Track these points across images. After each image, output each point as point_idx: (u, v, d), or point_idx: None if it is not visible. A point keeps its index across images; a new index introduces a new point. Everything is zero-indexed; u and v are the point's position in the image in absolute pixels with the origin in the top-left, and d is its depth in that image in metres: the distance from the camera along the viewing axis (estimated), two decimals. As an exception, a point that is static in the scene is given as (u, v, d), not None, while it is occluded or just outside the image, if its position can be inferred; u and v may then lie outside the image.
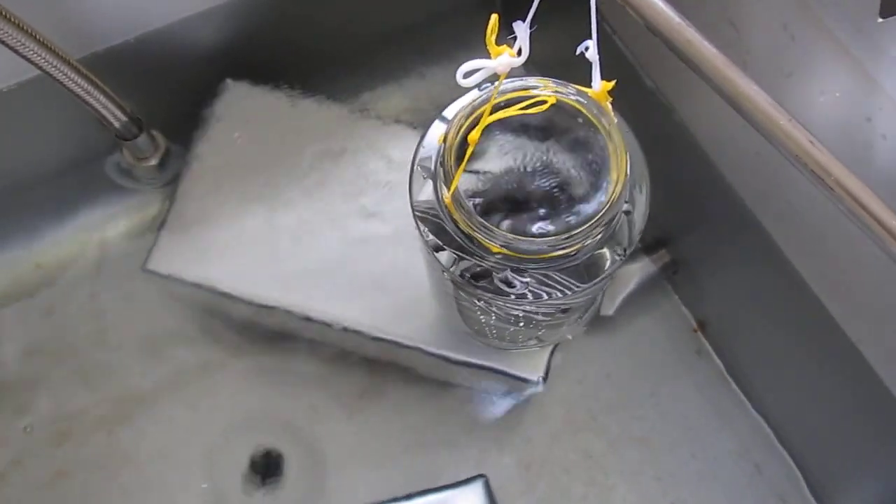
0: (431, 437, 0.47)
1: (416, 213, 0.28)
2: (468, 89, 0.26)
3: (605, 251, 0.28)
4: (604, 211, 0.26)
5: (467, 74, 0.24)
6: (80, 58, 0.38)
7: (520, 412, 0.48)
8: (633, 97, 0.45)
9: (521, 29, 0.23)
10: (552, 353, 0.42)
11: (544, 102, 0.26)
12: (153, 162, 0.43)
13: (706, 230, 0.46)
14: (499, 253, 0.26)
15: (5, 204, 0.45)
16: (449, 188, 0.26)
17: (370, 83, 0.52)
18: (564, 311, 0.33)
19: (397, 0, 0.51)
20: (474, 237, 0.26)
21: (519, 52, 0.24)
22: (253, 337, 0.47)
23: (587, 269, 0.28)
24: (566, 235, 0.25)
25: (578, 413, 0.48)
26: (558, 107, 0.27)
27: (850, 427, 0.42)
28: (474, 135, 0.26)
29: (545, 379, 0.41)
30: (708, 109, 0.41)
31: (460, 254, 0.27)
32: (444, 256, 0.28)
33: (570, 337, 0.41)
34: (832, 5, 0.31)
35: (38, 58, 0.33)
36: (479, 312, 0.33)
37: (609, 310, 0.48)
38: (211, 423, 0.46)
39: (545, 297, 0.28)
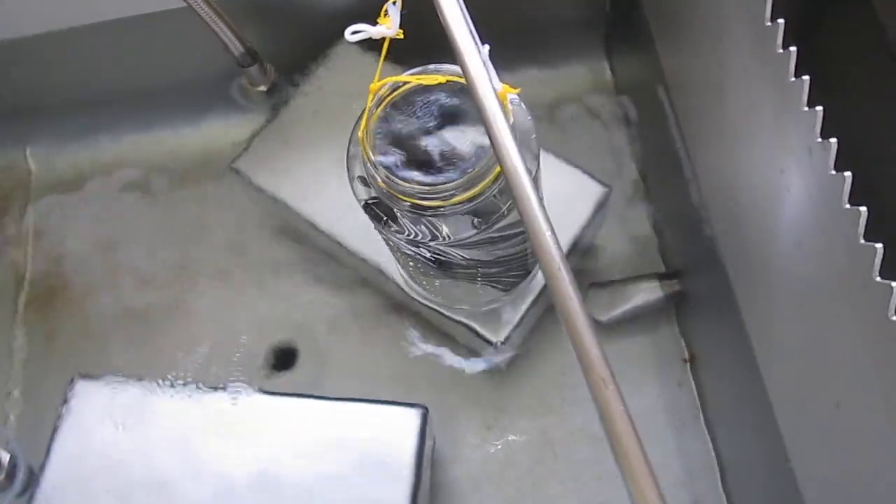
0: (420, 374, 0.54)
1: (350, 154, 0.36)
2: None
3: (471, 218, 0.34)
4: (466, 178, 0.32)
5: (354, 33, 0.32)
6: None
7: (502, 382, 0.53)
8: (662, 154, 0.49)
9: (394, 10, 0.31)
10: (519, 323, 0.47)
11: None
12: (262, 88, 0.54)
13: (708, 275, 0.49)
14: (383, 187, 0.34)
15: (152, 100, 0.59)
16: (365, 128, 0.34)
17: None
18: (466, 266, 0.39)
19: (512, 4, 0.58)
20: (369, 168, 0.34)
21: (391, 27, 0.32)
22: (307, 249, 0.57)
23: (452, 224, 0.34)
24: (429, 187, 0.32)
25: (552, 398, 0.53)
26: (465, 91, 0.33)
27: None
28: (374, 86, 0.34)
29: (504, 343, 0.47)
30: (711, 165, 0.44)
31: (366, 183, 0.35)
32: (359, 188, 0.36)
33: (493, 306, 0.46)
34: (761, 57, 0.33)
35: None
36: (399, 255, 0.40)
37: (603, 316, 0.52)
38: (253, 308, 0.56)
39: (419, 236, 0.35)
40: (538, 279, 0.48)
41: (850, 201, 0.29)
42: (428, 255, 0.37)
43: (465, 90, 0.34)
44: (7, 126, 0.61)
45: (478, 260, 0.38)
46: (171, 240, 0.59)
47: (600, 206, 0.50)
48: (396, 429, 0.45)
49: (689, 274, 0.51)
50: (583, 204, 0.50)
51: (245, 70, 0.53)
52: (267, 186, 0.52)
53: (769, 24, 0.32)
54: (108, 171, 0.62)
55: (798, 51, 0.31)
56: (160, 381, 0.45)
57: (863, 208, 0.28)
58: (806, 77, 0.30)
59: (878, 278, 0.27)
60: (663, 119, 0.49)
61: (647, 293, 0.52)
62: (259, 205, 0.55)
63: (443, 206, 0.33)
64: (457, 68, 0.35)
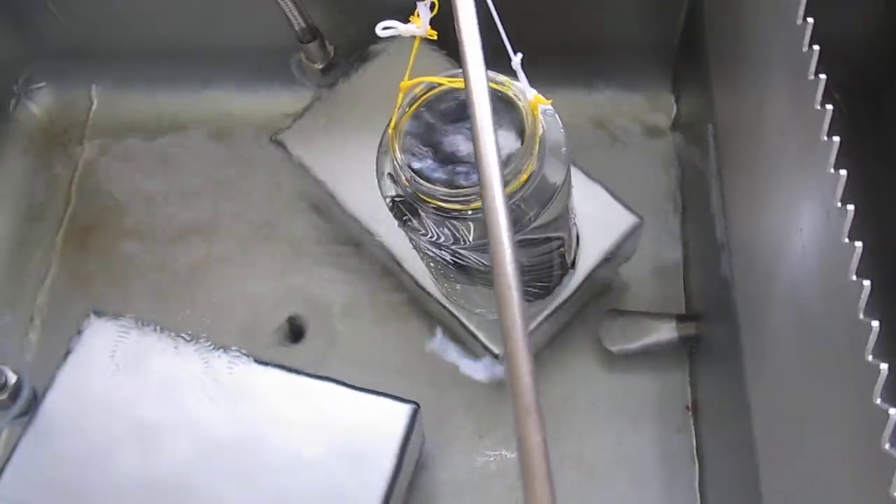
0: (423, 371, 0.54)
1: (381, 150, 0.36)
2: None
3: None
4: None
5: (385, 28, 0.32)
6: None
7: (502, 393, 0.53)
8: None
9: (424, 10, 0.31)
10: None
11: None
12: (318, 66, 0.55)
13: (722, 324, 0.48)
14: (407, 186, 0.34)
15: (212, 61, 0.61)
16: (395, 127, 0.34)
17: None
18: (485, 272, 0.39)
19: (574, 21, 0.57)
20: (395, 167, 0.34)
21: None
22: (335, 230, 0.57)
23: (475, 229, 0.34)
24: (450, 190, 0.32)
25: (548, 420, 0.52)
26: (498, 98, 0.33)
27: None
28: (405, 84, 0.34)
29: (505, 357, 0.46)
30: (741, 214, 0.43)
31: (393, 180, 0.35)
32: (387, 184, 0.36)
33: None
34: (798, 112, 0.32)
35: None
36: (421, 255, 0.40)
37: (614, 346, 0.51)
38: (272, 278, 0.57)
39: (441, 238, 0.35)
40: (557, 299, 0.48)
41: (860, 272, 0.28)
42: (448, 257, 0.37)
43: (498, 96, 0.34)
44: (76, 65, 0.64)
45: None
46: (208, 200, 0.60)
47: (629, 237, 0.49)
48: (384, 421, 0.45)
49: (706, 320, 0.50)
50: (611, 232, 0.49)
51: (305, 46, 0.54)
52: (306, 163, 0.53)
53: (811, 77, 0.31)
54: (159, 123, 0.63)
55: (837, 110, 0.30)
56: (168, 333, 0.47)
57: (867, 282, 0.26)
58: (836, 138, 0.29)
59: (870, 357, 0.26)
60: (706, 160, 0.48)
61: (662, 332, 0.51)
62: (296, 179, 0.56)
63: (463, 210, 0.33)
64: (495, 74, 0.35)
